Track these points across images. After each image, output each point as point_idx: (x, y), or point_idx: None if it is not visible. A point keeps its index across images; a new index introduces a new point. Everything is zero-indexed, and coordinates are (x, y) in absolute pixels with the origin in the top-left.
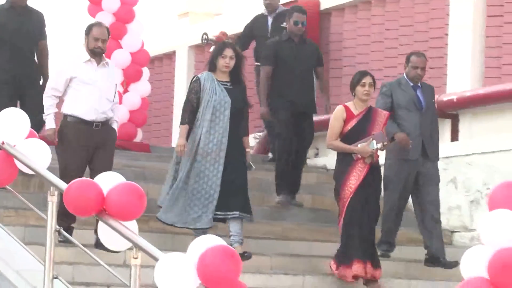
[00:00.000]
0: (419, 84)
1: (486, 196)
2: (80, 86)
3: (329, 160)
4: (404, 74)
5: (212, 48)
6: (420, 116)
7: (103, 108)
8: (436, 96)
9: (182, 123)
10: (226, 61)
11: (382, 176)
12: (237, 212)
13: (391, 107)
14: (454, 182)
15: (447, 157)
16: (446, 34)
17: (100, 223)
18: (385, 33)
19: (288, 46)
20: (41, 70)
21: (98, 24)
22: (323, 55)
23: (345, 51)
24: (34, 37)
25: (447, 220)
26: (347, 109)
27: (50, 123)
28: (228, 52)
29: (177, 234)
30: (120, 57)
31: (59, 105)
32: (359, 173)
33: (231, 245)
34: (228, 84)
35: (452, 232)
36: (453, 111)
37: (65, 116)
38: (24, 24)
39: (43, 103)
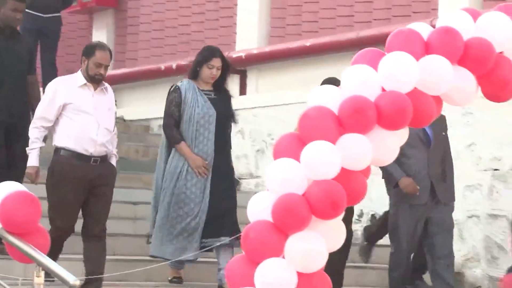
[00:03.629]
0: None
1: (270, 146)
2: (75, 115)
3: (125, 111)
4: None
5: None
6: (428, 153)
7: (102, 140)
8: (226, 53)
9: (176, 143)
10: (213, 72)
11: (388, 223)
12: (227, 238)
13: None
14: (242, 132)
15: (236, 110)
16: None
17: None
18: None
19: None
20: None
21: (102, 47)
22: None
23: (143, 17)
24: (24, 69)
25: (235, 168)
26: None
27: (32, 160)
28: (216, 62)
29: None
30: None
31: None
32: None
33: (220, 280)
34: (212, 94)
35: (240, 179)
36: (242, 67)
37: (57, 149)
38: (14, 52)
39: (29, 135)
